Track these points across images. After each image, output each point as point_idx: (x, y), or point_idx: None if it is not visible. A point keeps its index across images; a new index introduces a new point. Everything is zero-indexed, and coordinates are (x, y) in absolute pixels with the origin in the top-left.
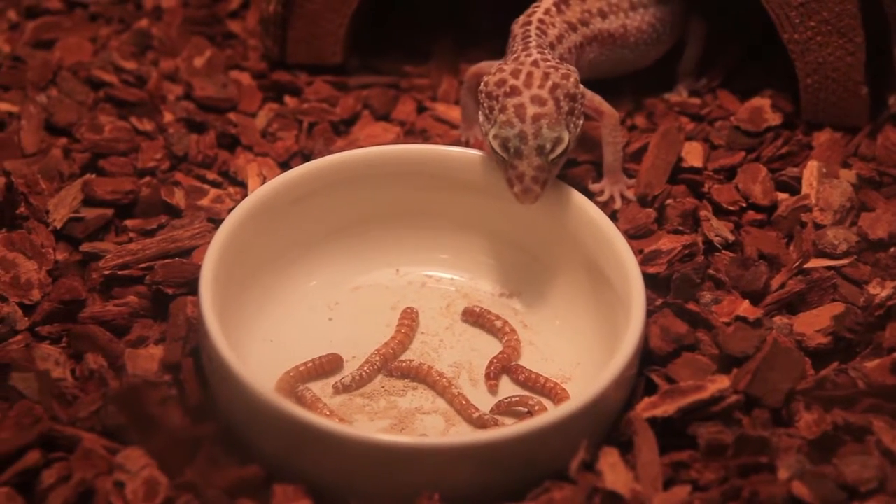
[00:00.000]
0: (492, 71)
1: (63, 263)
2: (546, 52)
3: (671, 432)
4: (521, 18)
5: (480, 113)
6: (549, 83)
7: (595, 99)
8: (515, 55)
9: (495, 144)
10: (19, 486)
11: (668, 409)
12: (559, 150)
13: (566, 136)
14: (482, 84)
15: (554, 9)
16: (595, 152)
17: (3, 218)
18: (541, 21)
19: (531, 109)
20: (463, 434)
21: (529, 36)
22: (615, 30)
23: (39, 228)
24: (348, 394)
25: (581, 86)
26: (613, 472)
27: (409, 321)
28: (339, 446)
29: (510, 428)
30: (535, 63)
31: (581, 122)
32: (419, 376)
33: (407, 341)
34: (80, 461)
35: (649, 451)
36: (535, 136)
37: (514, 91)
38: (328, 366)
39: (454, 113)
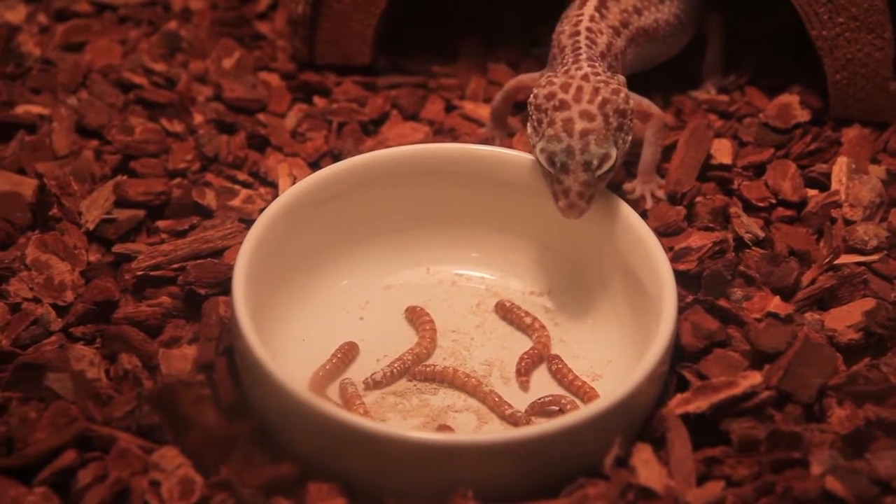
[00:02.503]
0: (541, 83)
1: (96, 264)
2: (597, 64)
3: (703, 428)
4: (568, 28)
5: (529, 125)
6: (599, 98)
7: (643, 102)
8: (566, 68)
9: (542, 158)
10: (56, 485)
11: (700, 405)
12: (606, 166)
13: (614, 153)
14: (531, 96)
15: (597, 14)
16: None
17: (36, 220)
18: (588, 30)
19: (579, 124)
20: (496, 431)
21: (580, 47)
22: (649, 25)
23: (72, 230)
24: (380, 392)
25: (631, 101)
26: (647, 468)
27: (427, 318)
28: (372, 444)
29: (544, 425)
30: (585, 77)
31: (630, 138)
32: (446, 380)
33: (436, 338)
34: (115, 461)
35: (682, 447)
36: (583, 152)
37: (563, 105)
38: (350, 354)
39: (482, 111)
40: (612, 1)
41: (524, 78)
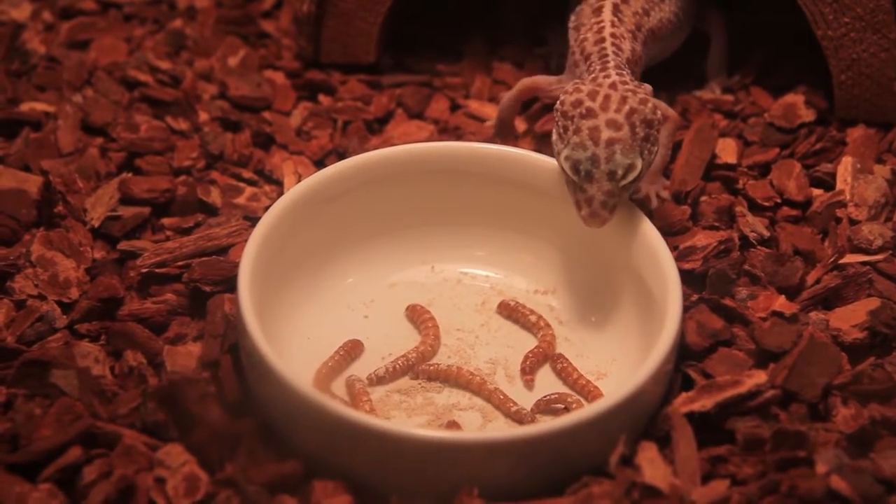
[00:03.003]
0: (568, 89)
1: (101, 262)
2: (625, 72)
3: (708, 427)
4: (591, 36)
5: (554, 131)
6: (627, 108)
7: (661, 105)
8: (594, 75)
9: (566, 166)
10: (61, 482)
11: (705, 403)
12: (631, 177)
13: (639, 164)
14: (558, 102)
15: (616, 19)
16: None
17: (41, 217)
18: (613, 35)
19: (605, 133)
20: (502, 429)
21: (607, 55)
22: (655, 25)
23: (77, 227)
24: (385, 390)
25: (658, 111)
26: (652, 466)
27: (428, 315)
28: (378, 442)
29: (549, 423)
30: (613, 85)
31: (656, 148)
32: (450, 378)
33: (440, 335)
34: (120, 457)
35: (687, 445)
36: (608, 161)
37: (590, 113)
38: (354, 351)
39: (487, 110)
40: (623, 4)
41: (540, 80)
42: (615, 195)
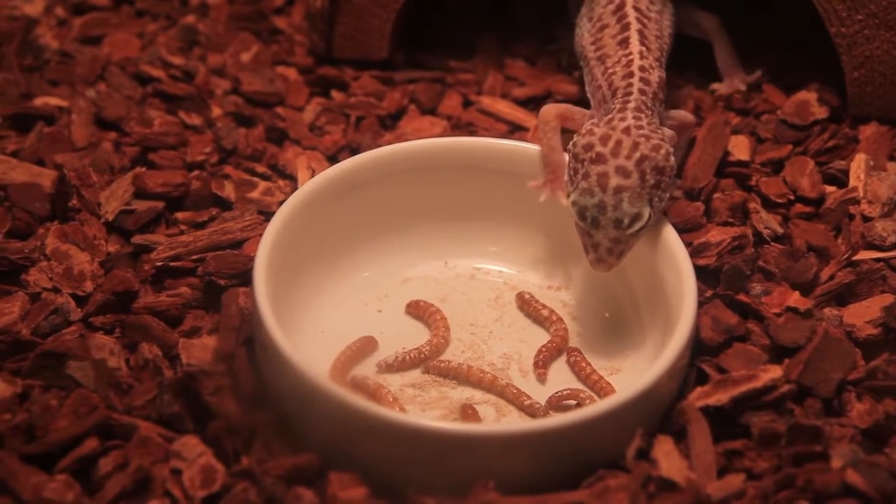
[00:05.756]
0: (582, 131)
1: (115, 255)
2: (643, 115)
3: (723, 421)
4: (619, 70)
5: (566, 172)
6: (637, 154)
7: (679, 113)
8: (610, 116)
9: (573, 211)
10: (77, 473)
11: (721, 398)
12: (637, 226)
13: (646, 213)
14: (571, 143)
15: (644, 49)
16: None
17: (56, 210)
18: (641, 69)
19: (614, 180)
20: (518, 422)
21: (631, 92)
22: (667, 44)
23: (91, 220)
24: (399, 383)
25: (672, 158)
26: (668, 460)
27: (434, 308)
28: (394, 434)
29: (565, 416)
30: (626, 130)
31: (667, 195)
32: (460, 376)
33: (449, 326)
34: (136, 449)
35: (703, 439)
36: (615, 209)
37: (600, 158)
38: (368, 347)
39: (500, 106)
40: (645, 30)
41: (575, 112)
42: (622, 242)
